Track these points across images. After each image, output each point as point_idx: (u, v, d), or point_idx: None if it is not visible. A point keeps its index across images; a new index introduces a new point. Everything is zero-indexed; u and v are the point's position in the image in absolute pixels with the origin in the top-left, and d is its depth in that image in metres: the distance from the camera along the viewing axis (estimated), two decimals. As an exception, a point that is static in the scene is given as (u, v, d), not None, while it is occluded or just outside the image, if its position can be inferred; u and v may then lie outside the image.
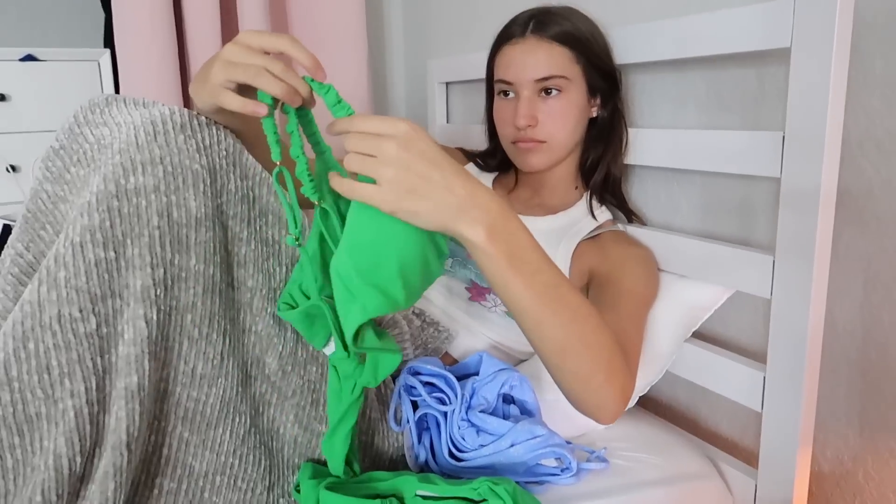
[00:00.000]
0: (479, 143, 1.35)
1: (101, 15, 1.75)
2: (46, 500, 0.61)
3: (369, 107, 1.69)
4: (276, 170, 0.69)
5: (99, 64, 1.64)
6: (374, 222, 0.62)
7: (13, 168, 1.57)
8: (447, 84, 1.63)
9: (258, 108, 0.64)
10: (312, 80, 0.65)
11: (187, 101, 1.50)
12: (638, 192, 1.13)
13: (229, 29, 1.52)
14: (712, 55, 0.91)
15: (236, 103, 0.65)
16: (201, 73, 0.69)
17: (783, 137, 0.81)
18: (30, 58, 1.59)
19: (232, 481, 0.74)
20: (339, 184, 0.62)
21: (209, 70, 0.67)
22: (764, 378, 0.86)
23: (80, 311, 0.63)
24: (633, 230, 1.05)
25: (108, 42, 1.72)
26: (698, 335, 1.03)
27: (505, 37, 1.01)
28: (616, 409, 0.74)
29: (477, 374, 0.88)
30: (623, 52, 1.03)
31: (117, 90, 1.59)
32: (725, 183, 0.99)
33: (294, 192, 0.72)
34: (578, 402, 0.73)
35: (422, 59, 1.77)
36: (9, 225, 0.93)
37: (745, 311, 1.00)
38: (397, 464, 0.85)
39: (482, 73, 1.41)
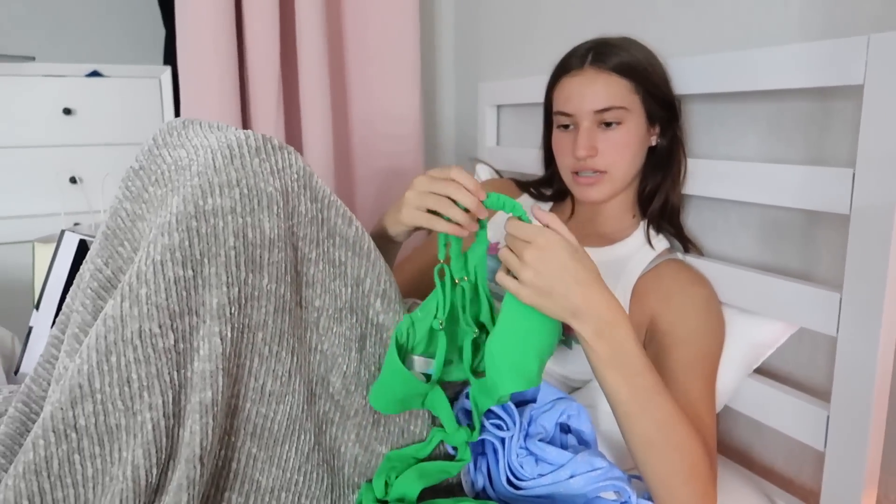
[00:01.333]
0: (529, 165, 1.37)
1: (163, 32, 1.81)
2: None
3: (419, 126, 1.71)
4: (437, 266, 0.80)
5: (160, 81, 1.69)
6: (521, 314, 0.74)
7: (75, 179, 1.63)
8: (498, 107, 1.64)
9: (458, 231, 0.78)
10: (498, 198, 0.78)
11: (246, 119, 1.54)
12: (693, 221, 1.12)
13: (288, 50, 1.55)
14: (777, 89, 0.91)
15: (440, 226, 0.79)
16: (395, 206, 0.88)
17: (853, 174, 0.80)
18: (95, 74, 1.65)
19: (296, 498, 0.75)
20: (501, 278, 0.74)
21: (402, 201, 0.84)
22: (828, 417, 0.85)
23: (160, 326, 0.66)
24: (691, 261, 1.04)
25: (168, 59, 1.78)
26: (756, 368, 1.01)
27: (563, 69, 1.01)
28: None
29: (533, 400, 0.88)
30: (685, 82, 1.03)
31: (177, 107, 1.64)
32: (786, 215, 0.99)
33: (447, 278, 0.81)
34: (657, 498, 0.78)
35: (472, 82, 1.79)
36: (84, 241, 0.97)
37: (803, 345, 0.98)
38: (454, 489, 0.85)
39: (534, 98, 1.43)
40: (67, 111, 1.60)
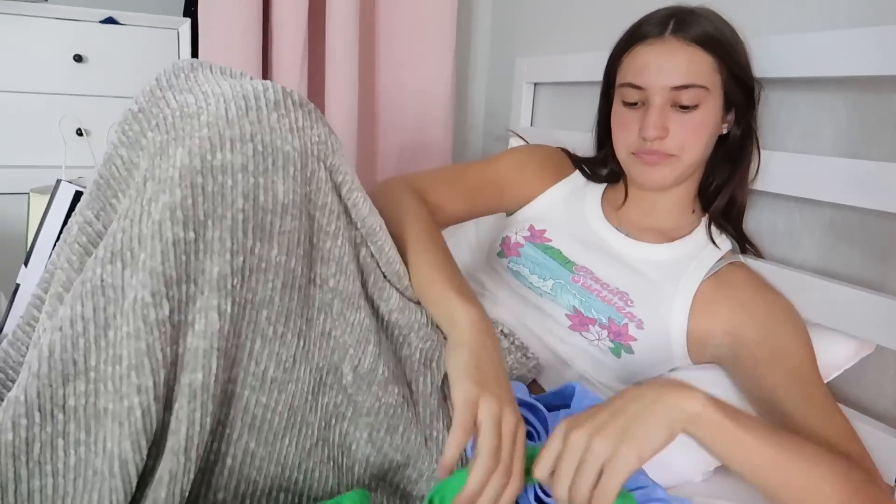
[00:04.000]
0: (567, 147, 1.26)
1: (184, -18, 1.71)
2: None
3: (450, 101, 1.60)
4: None
5: (178, 33, 1.59)
6: None
7: (82, 131, 1.54)
8: (535, 85, 1.54)
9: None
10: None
11: (267, 79, 1.44)
12: (751, 221, 1.01)
13: (316, 13, 1.45)
14: (859, 76, 0.80)
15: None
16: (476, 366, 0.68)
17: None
18: (110, 20, 1.55)
19: (296, 499, 0.65)
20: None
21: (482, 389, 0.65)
22: (902, 449, 0.75)
23: (153, 294, 0.56)
24: (751, 264, 0.94)
25: (188, 11, 1.68)
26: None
27: (637, 36, 0.88)
28: None
29: (567, 406, 0.78)
30: (766, 65, 0.91)
31: (194, 61, 1.55)
32: (859, 217, 0.88)
33: None
34: None
35: (508, 58, 1.68)
36: (80, 192, 0.88)
37: (870, 365, 0.88)
38: None
39: (576, 76, 1.32)
40: (78, 58, 1.50)
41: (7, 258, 1.38)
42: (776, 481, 0.62)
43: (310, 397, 0.67)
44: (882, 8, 0.83)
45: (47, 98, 1.51)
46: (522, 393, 0.78)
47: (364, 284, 0.71)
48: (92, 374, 0.57)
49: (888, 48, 0.76)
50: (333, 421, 0.69)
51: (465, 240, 1.28)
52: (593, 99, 1.03)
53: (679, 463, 0.83)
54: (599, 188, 1.03)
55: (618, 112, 0.91)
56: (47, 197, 0.94)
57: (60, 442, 0.57)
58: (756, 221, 1.01)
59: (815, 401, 0.75)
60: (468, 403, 0.62)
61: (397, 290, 0.74)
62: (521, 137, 1.34)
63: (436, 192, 0.95)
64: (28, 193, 1.06)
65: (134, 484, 0.55)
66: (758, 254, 0.97)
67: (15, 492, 0.55)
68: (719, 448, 0.61)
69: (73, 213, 0.70)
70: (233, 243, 0.59)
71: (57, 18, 1.49)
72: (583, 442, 0.58)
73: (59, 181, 0.89)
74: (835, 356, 0.84)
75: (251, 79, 0.69)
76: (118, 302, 0.57)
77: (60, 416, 0.56)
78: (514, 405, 0.65)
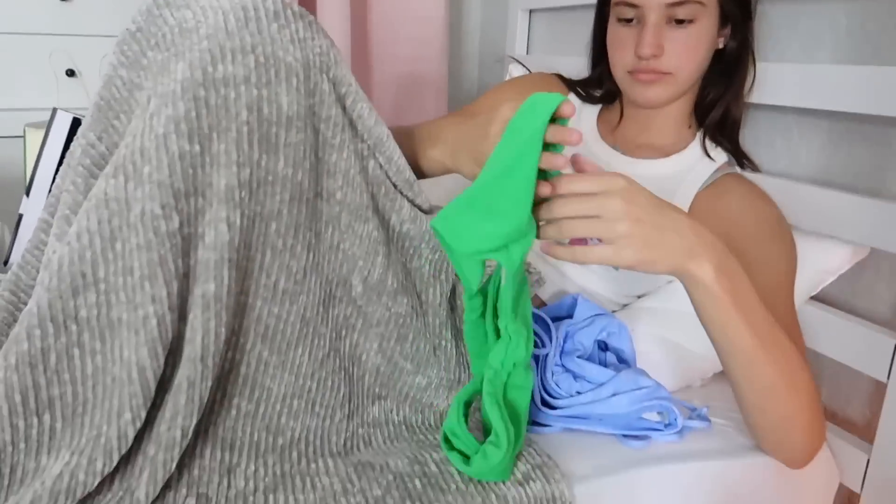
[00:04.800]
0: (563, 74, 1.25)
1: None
2: (136, 416, 0.56)
3: (444, 29, 1.58)
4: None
5: (164, -33, 1.55)
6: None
7: (73, 72, 1.52)
8: (530, 11, 1.51)
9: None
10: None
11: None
12: (748, 138, 1.02)
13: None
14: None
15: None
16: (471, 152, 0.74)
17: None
18: (94, -45, 1.51)
19: (310, 406, 0.68)
20: (565, 252, 0.60)
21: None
22: (895, 346, 0.77)
23: (163, 207, 0.57)
24: (749, 177, 0.95)
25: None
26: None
27: None
28: (814, 453, 0.73)
29: (569, 316, 0.81)
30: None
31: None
32: (857, 125, 0.88)
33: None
34: (777, 445, 0.71)
35: (502, -16, 1.65)
36: (78, 119, 0.87)
37: (864, 270, 0.90)
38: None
39: (570, 0, 1.31)
40: (64, -4, 1.48)
41: (7, 197, 1.38)
42: (746, 368, 0.66)
43: (321, 309, 0.69)
44: None
45: (36, 38, 1.49)
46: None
47: (374, 197, 0.72)
48: (102, 286, 0.58)
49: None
50: (344, 332, 0.71)
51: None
52: (589, 23, 1.02)
53: (678, 368, 0.86)
54: (595, 109, 1.03)
55: (613, 30, 0.91)
56: (42, 131, 0.94)
57: (76, 351, 0.58)
58: (754, 137, 1.01)
59: (783, 317, 0.76)
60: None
61: (408, 199, 0.74)
62: (521, 64, 1.33)
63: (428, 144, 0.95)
64: (24, 128, 1.06)
65: (153, 389, 0.57)
66: (754, 168, 0.97)
67: (36, 399, 0.57)
68: (708, 316, 0.64)
69: (74, 138, 0.70)
70: (239, 156, 0.60)
71: (39, -45, 1.46)
72: (614, 211, 0.58)
73: (55, 109, 0.89)
74: (830, 262, 0.85)
75: None
76: (123, 214, 0.58)
77: (74, 327, 0.58)
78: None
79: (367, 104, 0.69)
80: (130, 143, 0.60)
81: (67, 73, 1.52)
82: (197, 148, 0.59)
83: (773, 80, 0.92)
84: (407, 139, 0.84)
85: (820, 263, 0.85)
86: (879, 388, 0.85)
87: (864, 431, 0.89)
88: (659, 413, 0.73)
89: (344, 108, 0.68)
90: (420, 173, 0.84)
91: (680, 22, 0.84)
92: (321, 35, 0.67)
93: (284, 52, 0.62)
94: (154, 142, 0.58)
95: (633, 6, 0.86)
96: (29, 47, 1.49)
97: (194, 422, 0.58)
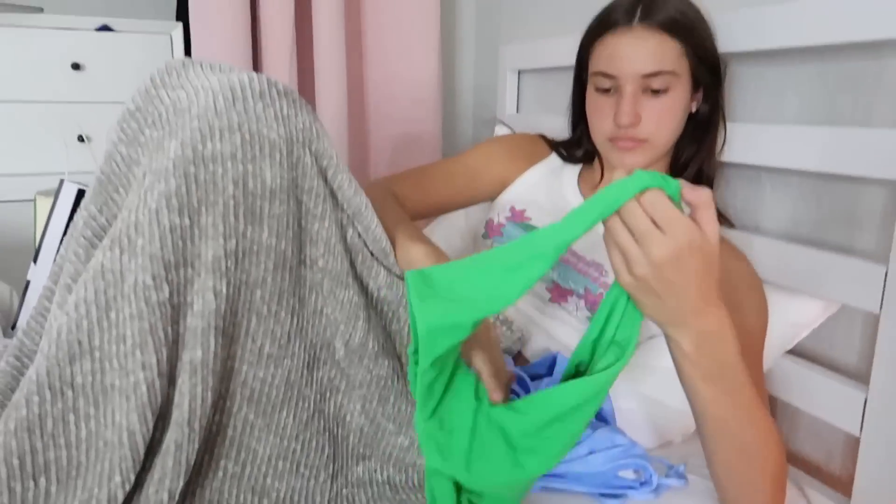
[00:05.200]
0: (551, 133, 1.30)
1: (176, -12, 1.76)
2: (125, 479, 0.59)
3: (437, 91, 1.64)
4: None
5: (171, 37, 1.64)
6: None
7: (83, 138, 1.59)
8: (519, 72, 1.58)
9: None
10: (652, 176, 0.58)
11: (257, 78, 1.48)
12: (724, 192, 1.05)
13: (302, 10, 1.49)
14: (823, 45, 0.84)
15: None
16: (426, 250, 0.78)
17: (908, 137, 0.73)
18: (105, 28, 1.60)
19: (294, 467, 0.70)
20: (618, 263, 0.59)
21: None
22: (865, 400, 0.79)
23: (154, 278, 0.61)
24: (723, 233, 0.98)
25: (181, 15, 1.72)
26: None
27: (606, 24, 0.92)
28: None
29: (549, 375, 0.83)
30: (726, 39, 0.96)
31: (188, 64, 1.59)
32: (825, 185, 0.92)
33: None
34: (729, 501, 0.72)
35: (493, 45, 1.72)
36: (83, 190, 0.92)
37: (839, 324, 0.92)
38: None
39: (557, 61, 1.36)
40: (76, 66, 1.55)
41: (17, 262, 1.43)
42: (716, 432, 0.67)
43: (305, 371, 0.72)
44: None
45: (48, 106, 1.56)
46: (508, 364, 0.82)
47: (353, 263, 0.75)
48: (97, 353, 0.62)
49: (852, 15, 0.80)
50: (328, 394, 0.74)
51: (455, 227, 1.33)
52: (574, 83, 1.07)
53: (658, 424, 0.88)
54: (576, 168, 1.08)
55: (592, 98, 0.96)
56: (52, 198, 0.99)
57: (71, 417, 0.61)
58: (731, 192, 1.05)
59: (753, 376, 0.78)
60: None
61: (384, 266, 0.78)
62: (507, 126, 1.39)
63: (405, 186, 1.01)
64: (34, 195, 1.11)
65: (142, 453, 0.60)
66: (729, 224, 1.01)
67: (32, 462, 0.60)
68: (682, 378, 0.65)
69: (77, 209, 0.74)
70: (225, 228, 0.64)
71: (53, 28, 1.54)
72: (655, 254, 0.56)
73: (62, 181, 0.94)
74: (802, 317, 0.88)
75: (239, 71, 0.73)
76: (118, 285, 0.62)
77: (70, 393, 0.61)
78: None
79: (346, 175, 0.74)
80: (126, 217, 0.64)
81: (79, 139, 1.59)
82: (187, 221, 0.63)
83: (742, 140, 0.96)
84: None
85: (792, 318, 0.88)
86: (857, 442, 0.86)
87: (848, 486, 0.90)
88: (635, 471, 0.75)
89: (325, 180, 0.72)
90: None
91: (655, 91, 0.89)
92: (304, 111, 0.71)
93: (268, 129, 0.67)
94: (147, 216, 0.62)
95: (611, 77, 0.91)
96: (42, 114, 1.56)
97: (181, 484, 0.60)
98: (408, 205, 1.00)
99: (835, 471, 0.94)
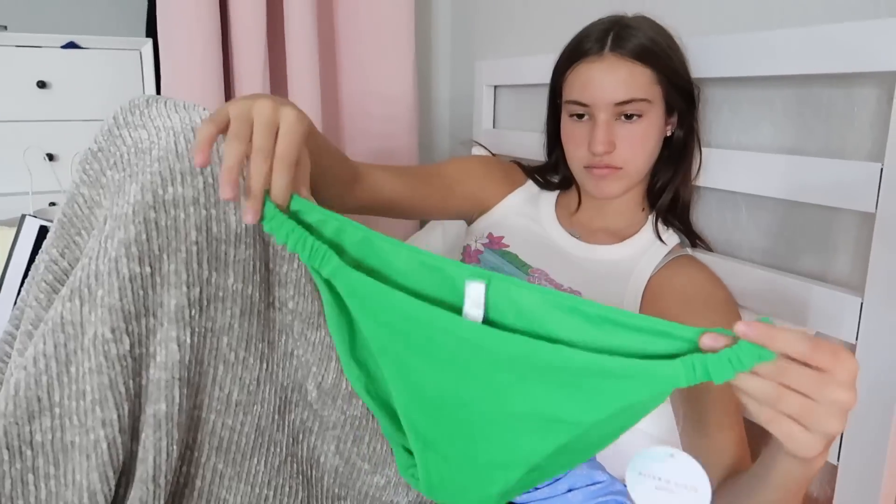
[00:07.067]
0: (527, 148, 1.30)
1: (144, 3, 1.73)
2: None
3: (413, 107, 1.63)
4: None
5: (141, 53, 1.61)
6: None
7: (51, 156, 1.55)
8: (495, 87, 1.56)
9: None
10: None
11: (230, 96, 1.46)
12: (700, 214, 1.05)
13: (275, 25, 1.47)
14: (799, 74, 0.84)
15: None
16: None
17: (881, 169, 0.73)
18: (72, 45, 1.56)
19: (266, 516, 0.69)
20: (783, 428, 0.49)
21: None
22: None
23: (113, 331, 0.59)
24: (700, 257, 0.98)
25: (150, 31, 1.69)
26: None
27: (578, 52, 0.91)
28: None
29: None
30: (700, 65, 0.95)
31: (158, 80, 1.56)
32: (801, 211, 0.92)
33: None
34: None
35: (469, 61, 1.71)
36: (45, 227, 0.90)
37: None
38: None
39: (533, 78, 1.35)
40: (42, 84, 1.52)
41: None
42: None
43: (276, 416, 0.70)
44: (822, 6, 0.87)
45: (13, 126, 1.53)
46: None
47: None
48: (57, 410, 0.60)
49: (824, 47, 0.80)
50: (301, 436, 0.73)
51: (433, 248, 1.31)
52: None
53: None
54: (553, 195, 1.07)
55: (567, 126, 0.95)
56: (13, 231, 0.96)
57: (31, 477, 0.59)
58: (706, 215, 1.05)
59: (731, 404, 0.78)
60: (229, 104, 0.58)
61: None
62: (484, 147, 1.37)
63: (374, 165, 0.95)
64: (-4, 226, 1.08)
65: None
66: (707, 247, 1.00)
67: None
68: (777, 482, 0.58)
69: (39, 251, 0.72)
70: (188, 275, 0.62)
71: (18, 46, 1.50)
72: (837, 403, 0.47)
73: (23, 216, 0.91)
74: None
75: (203, 109, 0.71)
76: (78, 338, 0.60)
77: (29, 452, 0.59)
78: (292, 106, 0.60)
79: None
80: (86, 265, 0.62)
81: (47, 157, 1.55)
82: (148, 270, 0.61)
83: (717, 164, 0.96)
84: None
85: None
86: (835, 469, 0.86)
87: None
88: (614, 507, 0.74)
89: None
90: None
91: (629, 117, 0.89)
92: None
93: None
94: (107, 265, 0.60)
95: (584, 105, 0.90)
96: (7, 134, 1.53)
97: (147, 542, 0.59)
98: (369, 180, 0.93)
99: (812, 492, 0.94)
